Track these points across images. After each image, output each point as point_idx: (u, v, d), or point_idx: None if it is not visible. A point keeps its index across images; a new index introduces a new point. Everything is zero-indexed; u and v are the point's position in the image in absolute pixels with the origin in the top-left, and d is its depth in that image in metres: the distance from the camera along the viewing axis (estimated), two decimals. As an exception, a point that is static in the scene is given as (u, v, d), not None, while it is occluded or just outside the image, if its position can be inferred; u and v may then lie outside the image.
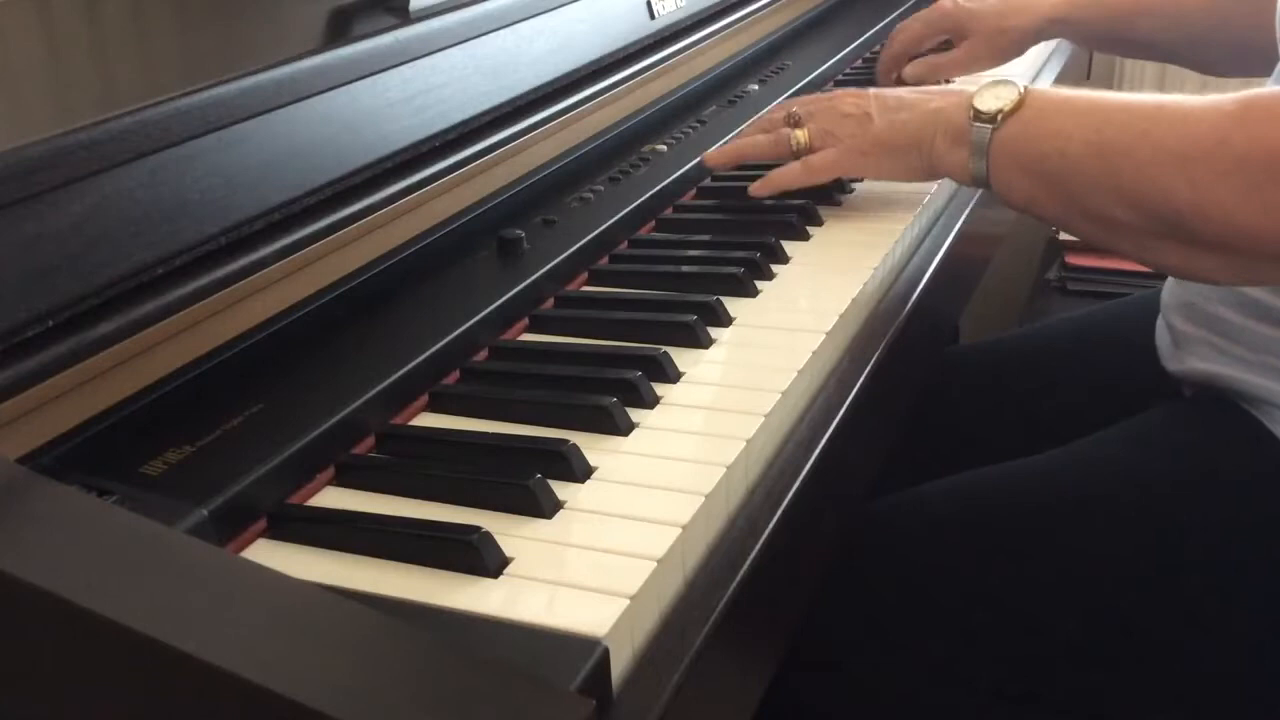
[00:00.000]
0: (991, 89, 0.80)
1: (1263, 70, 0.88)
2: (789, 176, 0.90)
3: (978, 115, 0.79)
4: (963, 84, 0.94)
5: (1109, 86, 2.01)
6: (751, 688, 0.62)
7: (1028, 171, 0.78)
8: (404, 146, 0.76)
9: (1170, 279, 0.92)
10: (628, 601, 0.49)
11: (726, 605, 0.53)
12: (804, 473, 0.63)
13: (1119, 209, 0.73)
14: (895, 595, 0.87)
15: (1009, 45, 1.18)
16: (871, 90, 0.90)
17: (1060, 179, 0.76)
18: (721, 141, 0.99)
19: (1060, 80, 1.32)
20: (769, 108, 1.01)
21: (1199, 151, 0.69)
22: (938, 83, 1.19)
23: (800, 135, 0.90)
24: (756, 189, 0.91)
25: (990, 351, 1.16)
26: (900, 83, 1.21)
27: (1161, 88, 1.96)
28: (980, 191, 0.98)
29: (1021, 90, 0.78)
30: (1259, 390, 0.82)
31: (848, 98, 0.90)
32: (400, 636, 0.42)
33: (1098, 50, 1.24)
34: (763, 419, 0.62)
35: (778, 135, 0.91)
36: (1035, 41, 1.21)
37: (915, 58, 1.22)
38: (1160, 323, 0.94)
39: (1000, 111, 0.78)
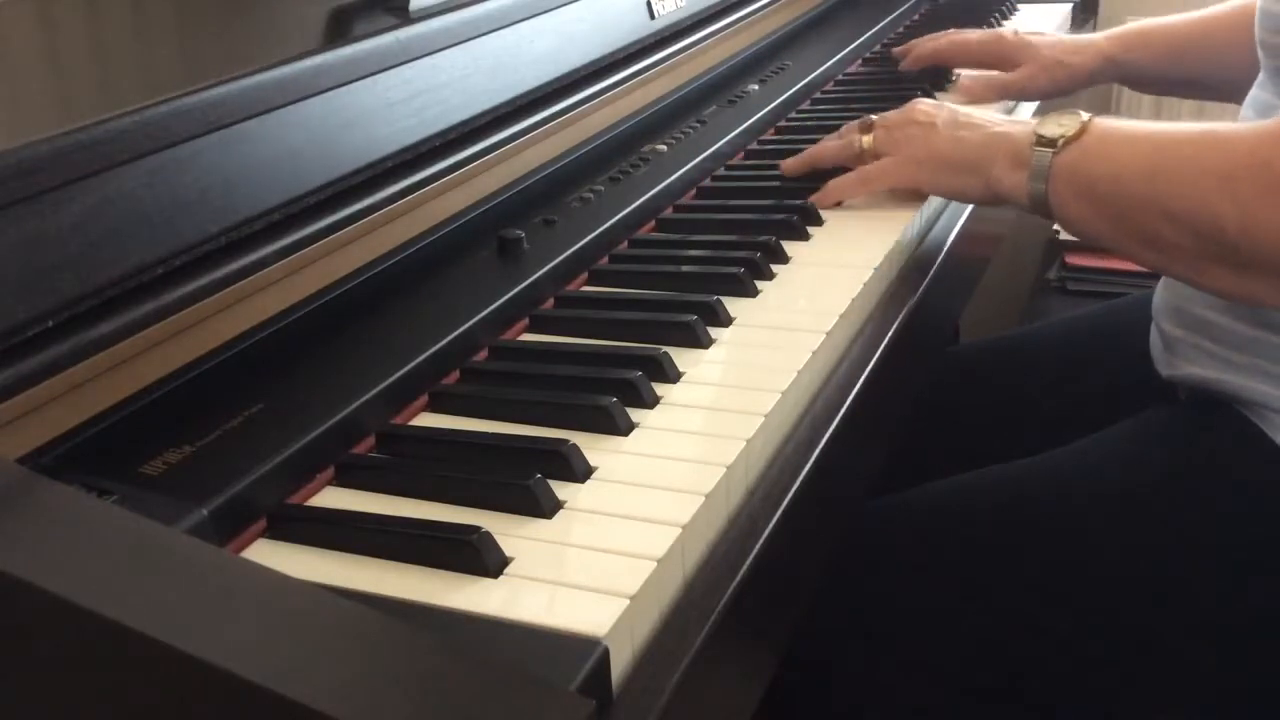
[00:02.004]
0: (1056, 116, 0.81)
1: None
2: (844, 187, 0.92)
3: (1040, 140, 0.80)
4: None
5: (1107, 100, 2.01)
6: (751, 688, 0.62)
7: (1083, 196, 0.79)
8: (404, 146, 0.76)
9: (1161, 282, 0.92)
10: (628, 601, 0.49)
11: (726, 605, 0.53)
12: (804, 473, 0.63)
13: (1169, 231, 0.74)
14: (894, 595, 0.87)
15: (1066, 80, 1.18)
16: (947, 103, 0.91)
17: (1112, 203, 0.77)
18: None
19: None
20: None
21: (1242, 172, 0.70)
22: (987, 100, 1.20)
23: (865, 140, 0.92)
24: (819, 199, 0.92)
25: (990, 351, 1.16)
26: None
27: (1159, 105, 1.96)
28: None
29: (1085, 118, 0.79)
30: (1249, 393, 0.82)
31: (922, 106, 0.91)
32: (400, 636, 0.42)
33: (1150, 92, 1.25)
34: (763, 419, 0.62)
35: (845, 140, 0.93)
36: (1090, 83, 1.20)
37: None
38: (1153, 327, 0.94)
39: (1062, 137, 0.79)
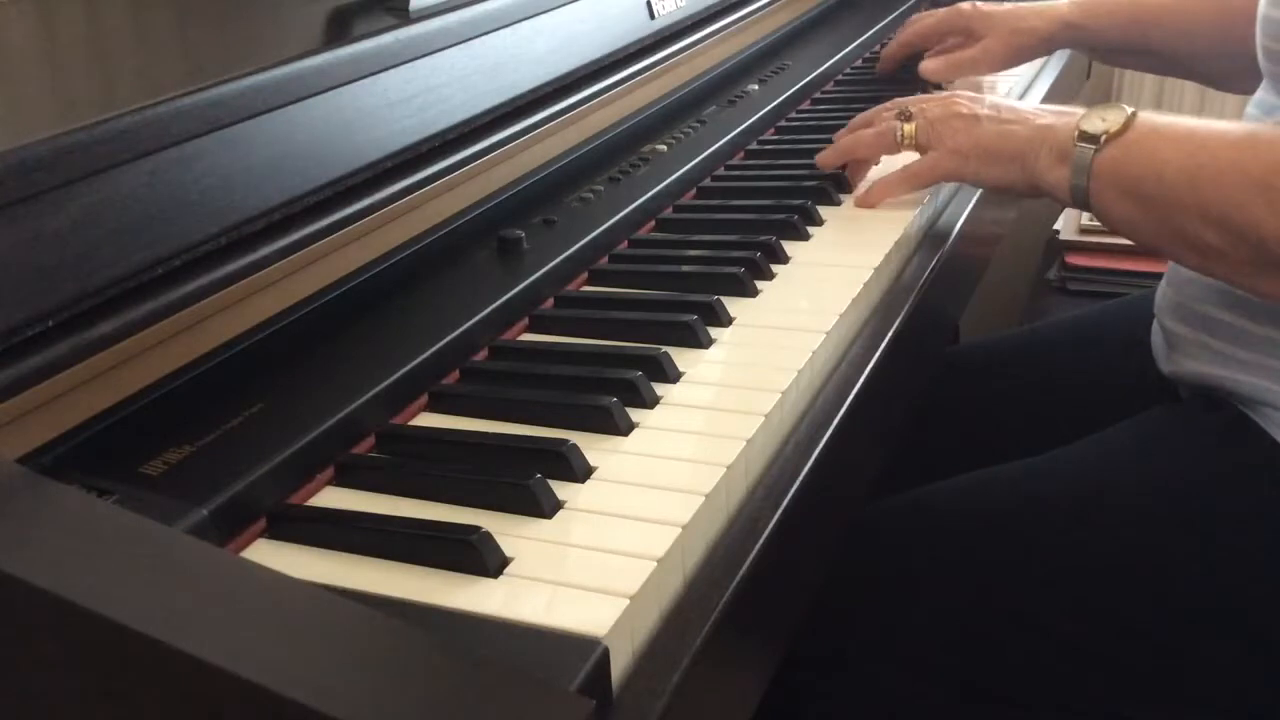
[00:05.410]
0: (1100, 111, 0.80)
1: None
2: (892, 187, 0.91)
3: (1082, 135, 0.79)
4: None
5: (1108, 90, 2.01)
6: (752, 687, 0.62)
7: (1125, 194, 0.78)
8: (404, 146, 0.76)
9: (1165, 279, 0.92)
10: (628, 601, 0.49)
11: (726, 605, 0.53)
12: (804, 472, 0.63)
13: (1210, 234, 0.73)
14: (895, 595, 0.87)
15: (1023, 48, 1.18)
16: (988, 95, 0.90)
17: (1155, 203, 0.76)
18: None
19: (1060, 81, 1.32)
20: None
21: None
22: (953, 82, 1.21)
23: (908, 129, 0.90)
24: (863, 200, 0.92)
25: (990, 351, 1.16)
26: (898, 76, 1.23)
27: (1160, 95, 1.96)
28: (980, 191, 0.98)
29: (1129, 113, 0.78)
30: (1252, 390, 0.82)
31: (963, 98, 0.90)
32: (400, 636, 0.42)
33: (1108, 61, 1.26)
34: (763, 419, 0.62)
35: (884, 128, 0.92)
36: (1049, 48, 1.21)
37: (923, 53, 1.23)
38: (1155, 325, 0.94)
39: (1105, 133, 0.78)
